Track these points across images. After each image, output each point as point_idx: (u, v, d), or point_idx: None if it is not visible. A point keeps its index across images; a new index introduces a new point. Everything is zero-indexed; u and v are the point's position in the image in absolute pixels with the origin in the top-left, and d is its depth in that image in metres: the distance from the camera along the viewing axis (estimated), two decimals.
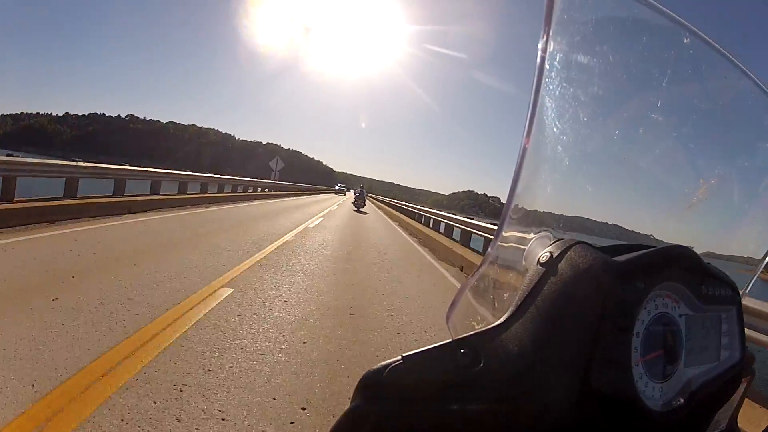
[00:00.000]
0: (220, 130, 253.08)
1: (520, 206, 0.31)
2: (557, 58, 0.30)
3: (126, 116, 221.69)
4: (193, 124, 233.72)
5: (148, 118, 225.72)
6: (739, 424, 0.39)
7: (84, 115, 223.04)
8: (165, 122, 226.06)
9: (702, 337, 0.35)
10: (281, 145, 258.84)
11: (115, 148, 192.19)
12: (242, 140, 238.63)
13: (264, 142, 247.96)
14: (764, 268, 0.43)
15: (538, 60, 0.29)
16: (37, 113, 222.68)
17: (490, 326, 0.30)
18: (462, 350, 0.28)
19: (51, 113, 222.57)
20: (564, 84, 0.30)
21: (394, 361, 0.28)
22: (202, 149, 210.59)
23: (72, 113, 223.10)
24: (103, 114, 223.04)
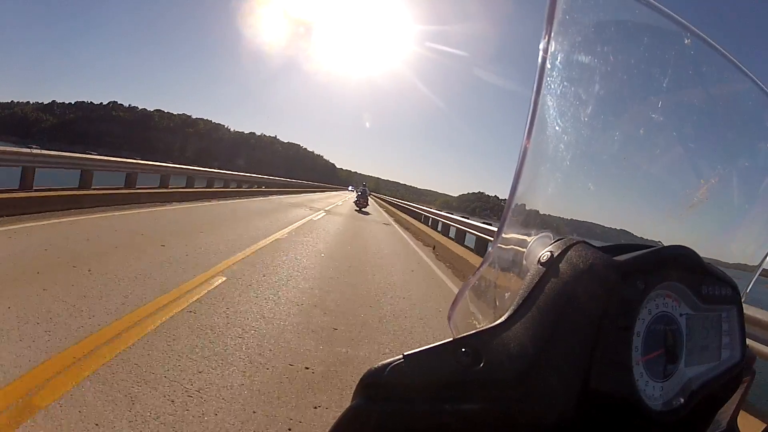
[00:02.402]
0: (212, 120, 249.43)
1: (521, 206, 0.33)
2: (559, 58, 0.31)
3: (108, 103, 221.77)
4: (183, 113, 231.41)
5: (132, 105, 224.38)
6: (739, 424, 0.41)
7: (70, 103, 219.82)
8: (151, 110, 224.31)
9: (702, 337, 0.37)
10: (278, 137, 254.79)
11: (92, 138, 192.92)
12: (236, 131, 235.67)
13: (258, 133, 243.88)
14: (765, 267, 0.45)
15: (540, 60, 0.31)
16: (27, 102, 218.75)
17: (491, 326, 0.32)
18: (463, 349, 0.30)
19: (41, 102, 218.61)
20: (565, 84, 0.32)
21: (395, 360, 0.29)
22: (188, 139, 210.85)
23: (59, 101, 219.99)
24: (91, 102, 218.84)
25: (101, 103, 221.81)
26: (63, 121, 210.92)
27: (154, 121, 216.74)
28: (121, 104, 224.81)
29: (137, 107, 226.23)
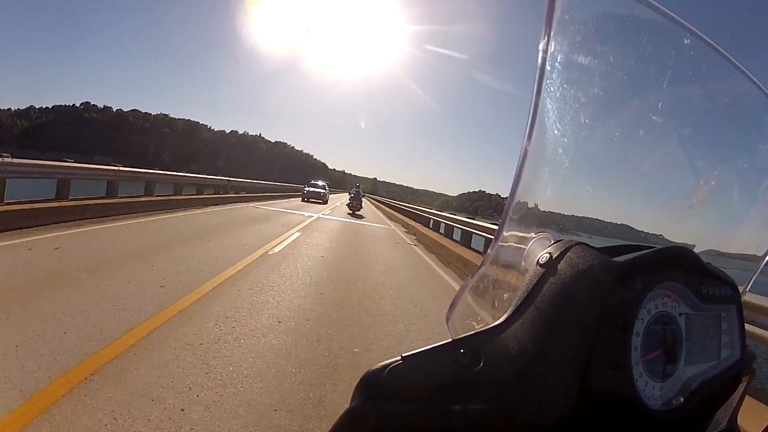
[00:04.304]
0: (191, 119, 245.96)
1: (520, 207, 0.34)
2: (558, 58, 0.33)
3: (81, 104, 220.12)
4: (161, 113, 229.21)
5: (106, 106, 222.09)
6: (740, 422, 0.43)
7: (48, 107, 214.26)
8: (127, 110, 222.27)
9: (702, 336, 0.39)
10: (262, 135, 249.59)
11: (63, 142, 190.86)
12: (218, 131, 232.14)
13: (240, 132, 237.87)
14: (764, 267, 0.47)
15: (539, 61, 0.32)
16: (8, 109, 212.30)
17: (490, 326, 0.33)
18: (462, 350, 0.31)
19: (21, 108, 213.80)
20: (565, 85, 0.34)
21: (394, 361, 0.30)
22: (165, 140, 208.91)
23: (37, 106, 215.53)
24: (67, 105, 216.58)
25: (74, 105, 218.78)
26: (34, 126, 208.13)
27: (129, 122, 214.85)
28: (95, 105, 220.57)
29: (112, 108, 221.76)
